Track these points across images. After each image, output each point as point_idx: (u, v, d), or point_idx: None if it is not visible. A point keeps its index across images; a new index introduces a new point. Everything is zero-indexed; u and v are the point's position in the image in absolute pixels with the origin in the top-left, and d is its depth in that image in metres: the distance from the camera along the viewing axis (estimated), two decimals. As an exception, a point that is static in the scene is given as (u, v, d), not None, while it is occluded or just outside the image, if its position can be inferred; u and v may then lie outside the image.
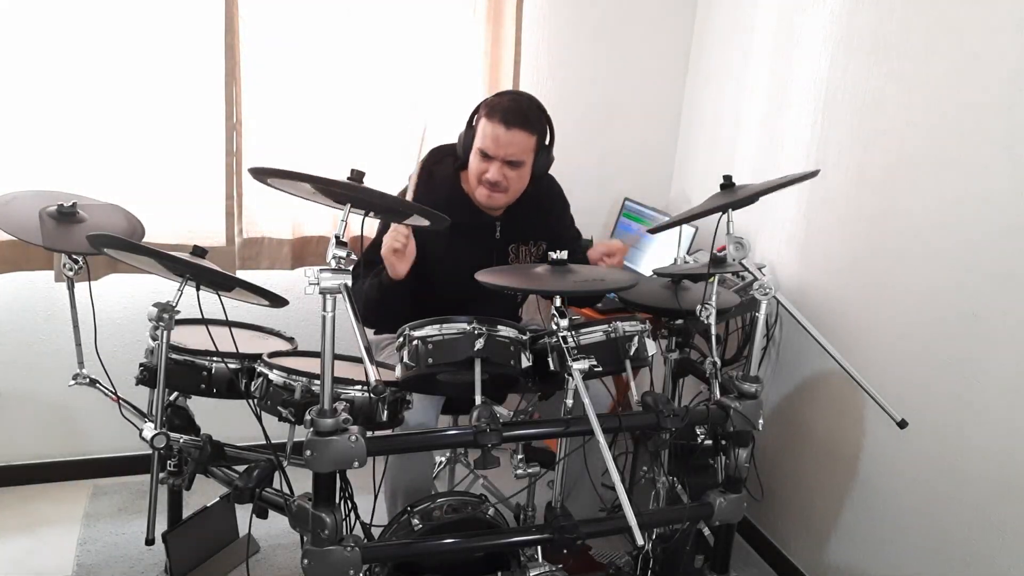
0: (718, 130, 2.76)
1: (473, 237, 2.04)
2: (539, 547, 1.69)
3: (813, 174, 1.71)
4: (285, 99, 2.47)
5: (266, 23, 2.40)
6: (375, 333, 2.24)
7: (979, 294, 1.74)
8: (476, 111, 2.00)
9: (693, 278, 2.02)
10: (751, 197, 1.67)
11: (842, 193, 2.12)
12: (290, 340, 2.03)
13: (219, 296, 1.74)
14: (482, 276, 1.61)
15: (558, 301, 1.55)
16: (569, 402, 1.59)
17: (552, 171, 2.34)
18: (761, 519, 2.48)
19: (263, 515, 1.66)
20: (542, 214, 2.15)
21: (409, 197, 1.92)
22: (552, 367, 1.64)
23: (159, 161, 2.40)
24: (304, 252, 2.61)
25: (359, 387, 1.59)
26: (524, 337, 1.66)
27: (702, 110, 2.87)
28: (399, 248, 1.84)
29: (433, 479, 2.05)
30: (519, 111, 1.93)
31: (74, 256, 1.85)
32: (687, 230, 2.56)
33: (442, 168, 2.06)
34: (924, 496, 1.89)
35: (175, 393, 1.87)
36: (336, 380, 1.45)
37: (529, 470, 1.68)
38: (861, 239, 2.07)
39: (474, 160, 1.97)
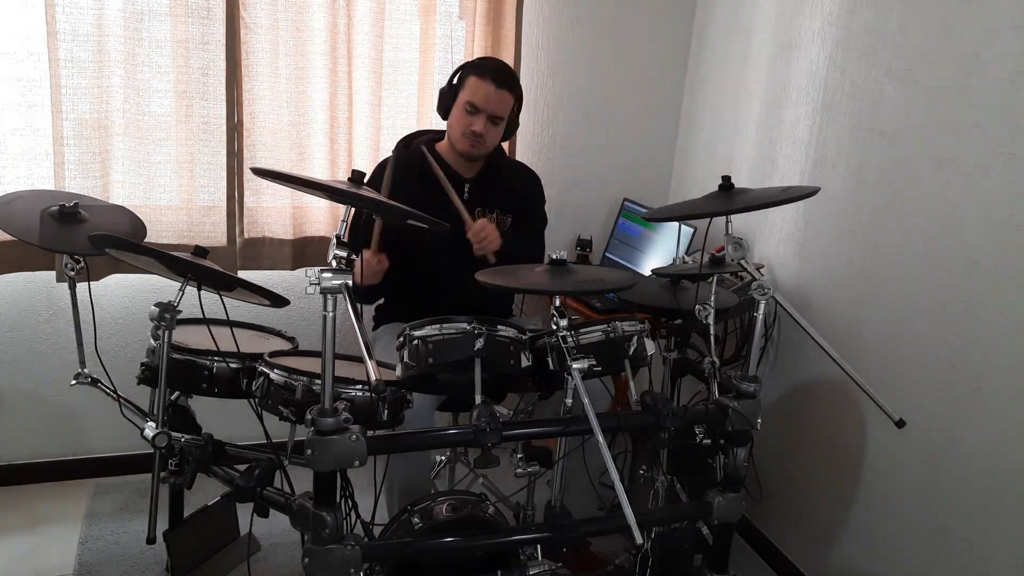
0: (717, 130, 2.77)
1: (441, 193, 2.10)
2: (538, 546, 1.70)
3: (814, 192, 1.70)
4: (286, 100, 2.47)
5: (267, 24, 2.41)
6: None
7: (976, 294, 1.75)
8: (460, 70, 2.13)
9: (692, 278, 2.03)
10: (749, 207, 1.68)
11: (840, 193, 2.12)
12: (291, 340, 2.04)
13: (220, 296, 1.75)
14: (482, 276, 1.62)
15: (557, 301, 1.55)
16: (568, 401, 1.60)
17: (552, 171, 2.38)
18: (759, 518, 2.48)
19: (264, 514, 1.66)
20: (512, 188, 2.28)
21: (389, 167, 2.07)
22: (552, 367, 1.64)
23: (161, 161, 2.41)
24: (305, 252, 2.61)
25: (360, 386, 1.59)
26: (524, 337, 1.67)
27: (701, 110, 2.87)
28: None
29: (433, 478, 2.06)
30: (508, 73, 2.13)
31: (75, 256, 1.86)
32: (685, 230, 2.56)
33: (419, 139, 2.21)
34: (922, 495, 1.90)
35: (176, 392, 1.87)
36: (337, 379, 1.46)
37: (529, 469, 1.69)
38: (859, 239, 2.07)
39: (459, 114, 2.10)
